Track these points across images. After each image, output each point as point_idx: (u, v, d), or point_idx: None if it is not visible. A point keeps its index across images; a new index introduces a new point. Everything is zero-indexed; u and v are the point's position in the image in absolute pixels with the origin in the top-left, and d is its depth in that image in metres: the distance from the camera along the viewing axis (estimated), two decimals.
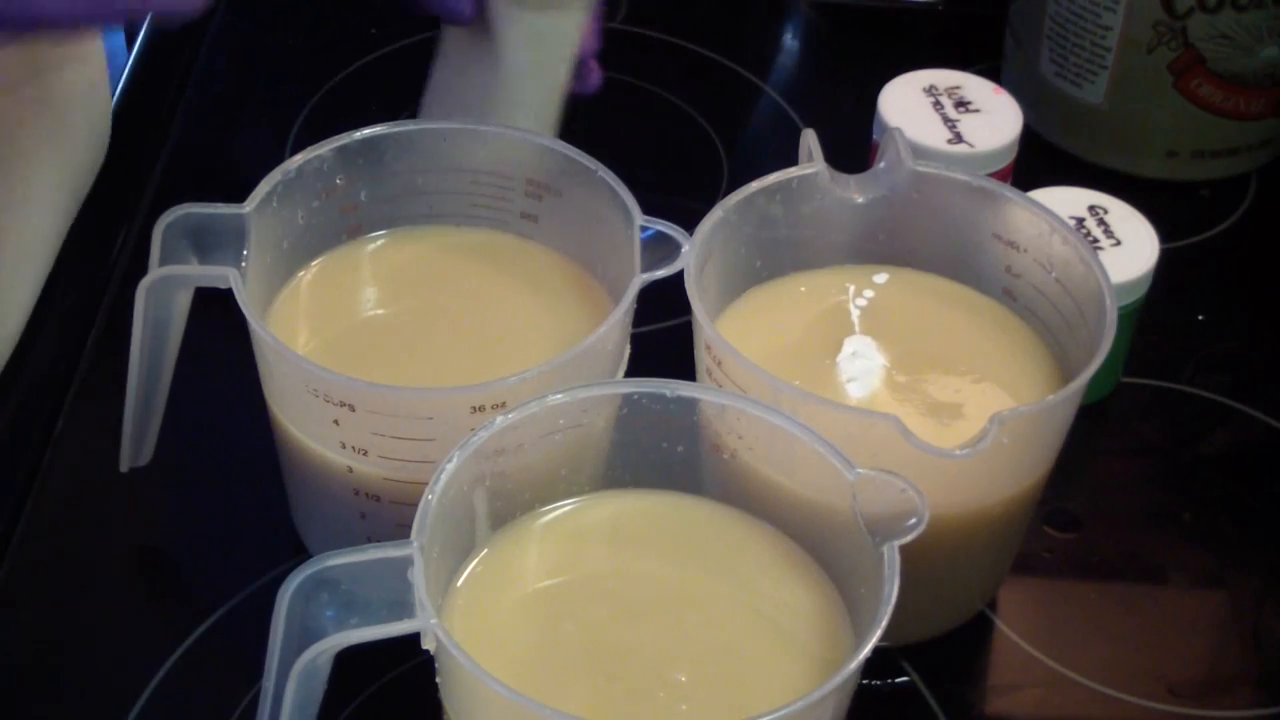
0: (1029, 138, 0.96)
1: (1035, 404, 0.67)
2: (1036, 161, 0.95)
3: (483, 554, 0.62)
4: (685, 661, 0.60)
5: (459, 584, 0.61)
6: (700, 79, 1.00)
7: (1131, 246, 0.78)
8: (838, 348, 0.71)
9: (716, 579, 0.63)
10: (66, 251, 0.86)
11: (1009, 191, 0.72)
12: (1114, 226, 0.79)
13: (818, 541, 0.62)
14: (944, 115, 0.82)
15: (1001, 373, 0.71)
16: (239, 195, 0.68)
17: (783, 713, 0.53)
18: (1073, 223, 0.74)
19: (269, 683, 0.55)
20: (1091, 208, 0.80)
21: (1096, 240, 0.78)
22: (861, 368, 0.71)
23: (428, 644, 0.55)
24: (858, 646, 0.55)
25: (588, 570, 0.63)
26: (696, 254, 0.67)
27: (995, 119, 0.83)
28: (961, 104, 0.83)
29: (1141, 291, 0.78)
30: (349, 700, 0.68)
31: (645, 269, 0.67)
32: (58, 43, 0.59)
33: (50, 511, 0.75)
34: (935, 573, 0.66)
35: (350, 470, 0.67)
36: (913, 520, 0.57)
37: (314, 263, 0.74)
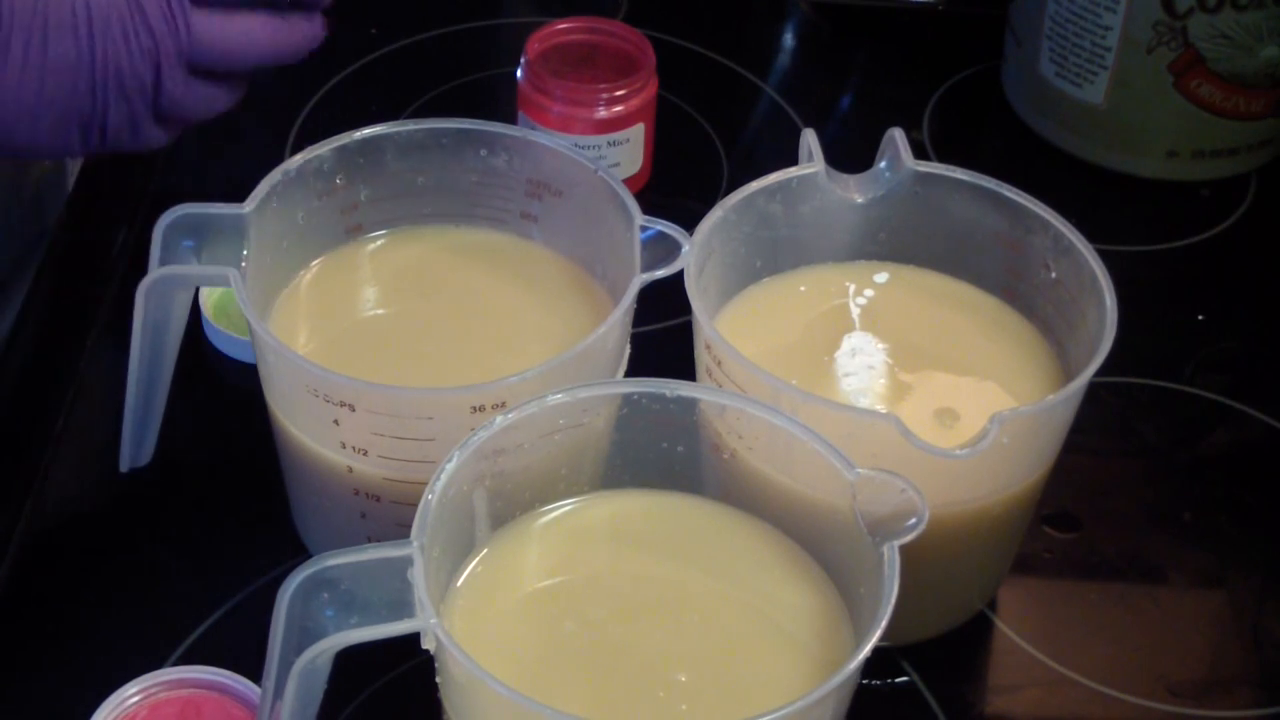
0: (1029, 138, 0.96)
1: (1036, 404, 0.67)
2: (1037, 161, 0.95)
3: (483, 554, 0.62)
4: (685, 661, 0.60)
5: (459, 584, 0.61)
6: (700, 79, 1.00)
7: None
8: (838, 347, 0.71)
9: (716, 579, 0.63)
10: (66, 251, 0.86)
11: (1009, 191, 0.72)
12: None
13: (818, 541, 0.62)
14: None
15: (1002, 372, 0.71)
16: (239, 195, 0.68)
17: (783, 713, 0.53)
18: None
19: (269, 683, 0.55)
20: None
21: None
22: (862, 367, 0.70)
23: (428, 644, 0.55)
24: (858, 646, 0.55)
25: (588, 570, 0.63)
26: (696, 254, 0.67)
27: None
28: None
29: None
30: (349, 700, 0.68)
31: (645, 269, 0.67)
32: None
33: (50, 511, 0.75)
34: (935, 573, 0.66)
35: (350, 470, 0.67)
36: (913, 520, 0.57)
37: (314, 262, 0.74)
